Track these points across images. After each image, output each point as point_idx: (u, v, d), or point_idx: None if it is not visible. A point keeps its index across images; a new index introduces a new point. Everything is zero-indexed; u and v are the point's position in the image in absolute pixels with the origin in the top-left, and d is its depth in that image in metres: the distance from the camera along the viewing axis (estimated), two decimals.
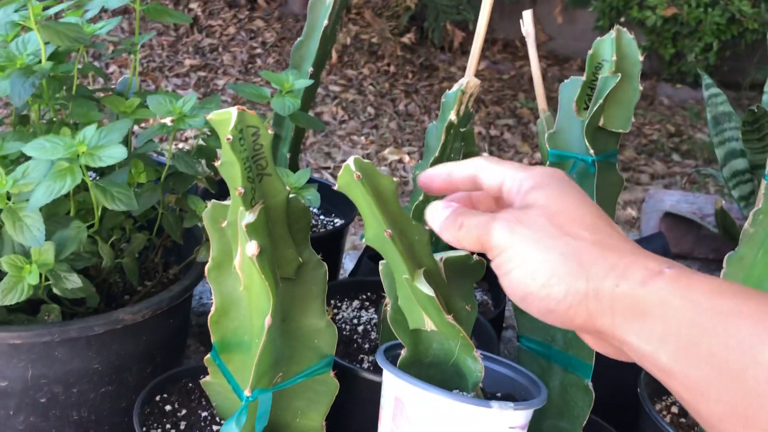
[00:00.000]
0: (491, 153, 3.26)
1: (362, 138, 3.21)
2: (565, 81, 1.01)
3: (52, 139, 0.70)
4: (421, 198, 0.99)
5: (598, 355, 0.94)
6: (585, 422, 0.95)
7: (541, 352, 1.00)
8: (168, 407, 0.87)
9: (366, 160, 0.72)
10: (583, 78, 0.98)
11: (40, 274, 0.77)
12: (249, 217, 0.75)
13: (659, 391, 1.04)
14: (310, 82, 1.03)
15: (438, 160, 0.97)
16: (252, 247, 0.72)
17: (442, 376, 0.83)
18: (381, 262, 0.86)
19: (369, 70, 3.84)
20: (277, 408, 0.88)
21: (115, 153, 0.71)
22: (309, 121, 1.07)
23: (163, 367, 0.95)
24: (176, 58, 3.69)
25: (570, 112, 0.99)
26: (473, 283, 0.84)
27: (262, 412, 0.77)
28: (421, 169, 0.99)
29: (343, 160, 2.90)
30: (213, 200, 0.79)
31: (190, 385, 0.91)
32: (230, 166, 0.75)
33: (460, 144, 0.98)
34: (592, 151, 0.94)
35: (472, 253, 0.80)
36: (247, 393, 0.77)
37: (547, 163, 0.99)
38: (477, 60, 1.01)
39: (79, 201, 0.83)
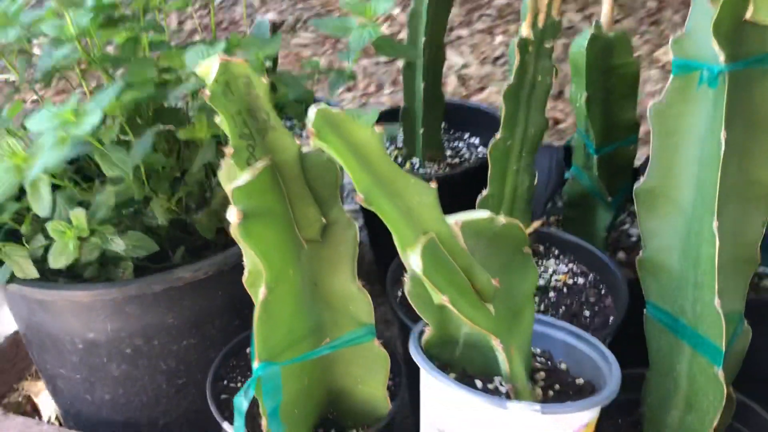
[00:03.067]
0: None
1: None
2: None
3: (51, 109, 0.70)
4: (500, 135, 0.82)
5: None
6: (717, 420, 0.73)
7: (669, 324, 0.78)
8: None
9: (336, 110, 0.60)
10: None
11: (88, 237, 0.79)
12: (241, 179, 0.68)
13: None
14: (390, 3, 0.90)
15: (516, 89, 0.79)
16: (233, 214, 0.65)
17: (483, 359, 0.69)
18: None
19: None
20: (335, 373, 0.82)
21: (92, 120, 0.68)
22: (396, 49, 0.94)
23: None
24: None
25: (704, 2, 0.72)
26: (519, 252, 0.67)
27: (269, 388, 0.71)
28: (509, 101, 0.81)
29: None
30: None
31: None
32: (221, 123, 0.68)
33: (550, 63, 0.78)
34: (722, 57, 0.68)
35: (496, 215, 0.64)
36: (255, 365, 0.72)
37: (671, 77, 0.75)
38: None
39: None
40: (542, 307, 0.93)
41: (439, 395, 0.66)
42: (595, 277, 0.97)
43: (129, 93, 0.81)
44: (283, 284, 0.72)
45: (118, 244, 0.80)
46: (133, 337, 0.89)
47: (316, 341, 0.77)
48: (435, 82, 1.18)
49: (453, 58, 2.57)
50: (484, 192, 0.83)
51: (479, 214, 0.63)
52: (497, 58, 2.60)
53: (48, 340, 0.93)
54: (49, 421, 1.07)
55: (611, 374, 0.67)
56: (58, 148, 0.69)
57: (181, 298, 0.88)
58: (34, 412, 1.08)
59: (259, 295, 0.69)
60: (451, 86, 2.41)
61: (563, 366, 0.74)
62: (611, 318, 0.90)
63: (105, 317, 0.87)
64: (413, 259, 0.60)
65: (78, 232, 0.78)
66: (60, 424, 1.06)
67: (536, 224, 0.87)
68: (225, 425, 0.80)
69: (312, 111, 0.59)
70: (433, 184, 0.62)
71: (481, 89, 2.46)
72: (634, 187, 0.76)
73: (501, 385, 0.67)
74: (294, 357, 0.74)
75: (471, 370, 0.69)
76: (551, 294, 0.95)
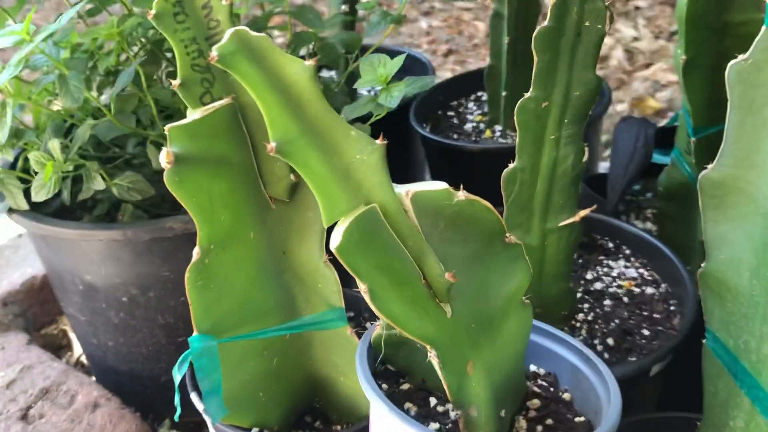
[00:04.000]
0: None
1: None
2: None
3: (12, 26, 0.64)
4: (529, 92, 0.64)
5: None
6: None
7: (728, 363, 0.59)
8: None
9: (258, 34, 0.48)
10: None
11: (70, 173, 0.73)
12: (190, 117, 0.58)
13: None
14: None
15: (553, 34, 0.61)
16: (162, 157, 0.55)
17: None
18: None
19: None
20: (315, 359, 0.71)
21: (42, 37, 0.61)
22: None
23: None
24: None
25: None
26: (497, 241, 0.51)
27: (204, 365, 0.61)
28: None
29: None
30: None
31: None
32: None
33: (602, 3, 0.60)
34: None
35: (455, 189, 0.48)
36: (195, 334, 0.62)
37: (762, 29, 0.54)
38: None
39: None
40: (589, 317, 0.75)
41: (374, 408, 0.52)
42: (668, 289, 0.77)
43: (130, 20, 0.73)
44: (237, 247, 0.62)
45: (98, 183, 0.73)
46: (128, 286, 0.83)
47: (285, 318, 0.66)
48: (525, 37, 1.00)
49: (624, 30, 2.31)
50: (512, 164, 0.67)
51: (436, 185, 0.48)
52: (673, 33, 2.31)
53: (56, 276, 0.89)
54: (77, 361, 1.05)
55: (607, 415, 0.50)
56: (16, 65, 0.63)
57: (175, 251, 0.80)
58: (66, 347, 1.07)
59: (193, 256, 0.59)
60: (615, 60, 2.15)
61: (567, 396, 0.58)
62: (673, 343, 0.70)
63: (99, 260, 0.82)
64: (336, 233, 0.47)
65: (59, 165, 0.72)
66: (83, 365, 1.04)
67: (583, 212, 0.70)
68: (193, 395, 0.71)
69: (228, 32, 0.47)
70: (381, 140, 0.48)
71: (648, 65, 2.18)
72: (699, 176, 0.57)
73: (453, 410, 0.52)
74: (243, 333, 0.63)
75: (432, 382, 0.55)
76: (606, 301, 0.77)
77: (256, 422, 0.69)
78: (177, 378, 0.62)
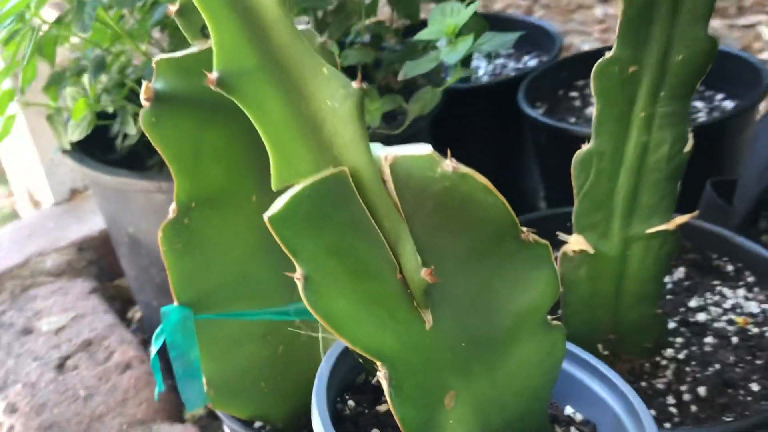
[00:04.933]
0: None
1: None
2: None
3: None
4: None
5: None
6: None
7: None
8: None
9: None
10: None
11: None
12: (186, 50, 0.49)
13: None
14: None
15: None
16: (142, 93, 0.47)
17: None
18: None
19: None
20: None
21: None
22: None
23: None
24: None
25: None
26: (508, 237, 0.37)
27: (177, 341, 0.52)
28: None
29: None
30: None
31: None
32: None
33: None
34: None
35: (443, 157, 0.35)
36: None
37: None
38: None
39: None
40: (681, 355, 0.58)
41: None
42: None
43: None
44: (233, 211, 0.52)
45: (131, 128, 0.67)
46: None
47: (288, 301, 0.56)
48: None
49: None
50: (586, 145, 0.52)
51: (420, 148, 0.36)
52: None
53: (109, 226, 0.85)
54: (141, 317, 1.02)
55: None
56: None
57: None
58: (133, 301, 1.05)
59: (168, 213, 0.50)
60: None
61: None
62: None
63: (139, 212, 0.76)
64: (280, 198, 0.36)
65: (91, 102, 0.66)
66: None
67: (680, 219, 0.53)
68: None
69: None
70: (358, 83, 0.36)
71: None
72: None
73: None
74: (232, 312, 0.54)
75: None
76: (708, 339, 0.59)
77: (255, 414, 0.60)
78: (152, 351, 0.54)
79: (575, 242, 0.55)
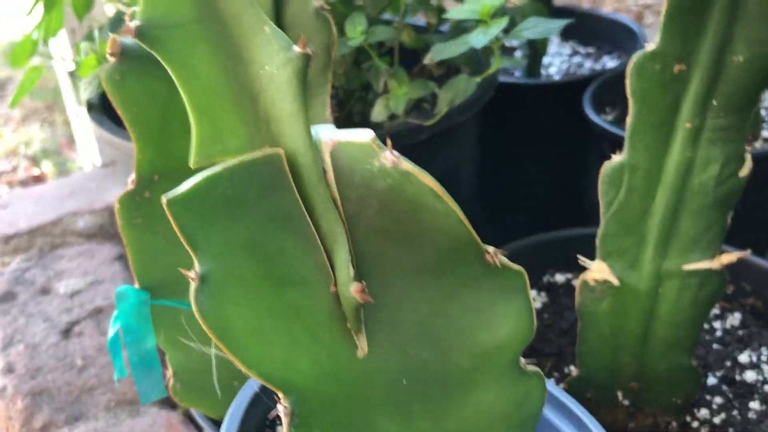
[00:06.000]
0: None
1: None
2: None
3: None
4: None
5: None
6: None
7: None
8: None
9: None
10: None
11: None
12: None
13: None
14: None
15: None
16: (108, 46, 0.42)
17: None
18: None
19: None
20: None
21: None
22: None
23: None
24: None
25: None
26: (471, 259, 0.30)
27: (131, 326, 0.47)
28: None
29: None
30: None
31: None
32: None
33: None
34: None
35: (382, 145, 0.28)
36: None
37: None
38: None
39: None
40: (718, 419, 0.49)
41: None
42: None
43: None
44: None
45: None
46: None
47: None
48: None
49: None
50: (617, 156, 0.43)
51: (362, 134, 0.29)
52: None
53: None
54: None
55: None
56: None
57: None
58: None
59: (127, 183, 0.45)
60: None
61: None
62: None
63: None
64: (192, 179, 0.30)
65: (100, 57, 0.62)
66: None
67: (728, 257, 0.43)
68: None
69: None
70: (301, 47, 0.29)
71: None
72: None
73: None
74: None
75: None
76: (754, 404, 0.49)
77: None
78: (110, 333, 0.49)
79: (597, 270, 0.46)
